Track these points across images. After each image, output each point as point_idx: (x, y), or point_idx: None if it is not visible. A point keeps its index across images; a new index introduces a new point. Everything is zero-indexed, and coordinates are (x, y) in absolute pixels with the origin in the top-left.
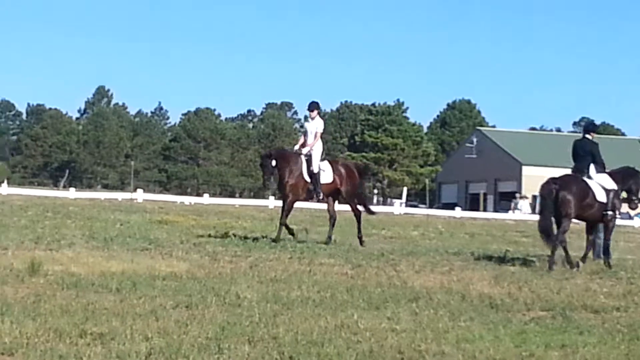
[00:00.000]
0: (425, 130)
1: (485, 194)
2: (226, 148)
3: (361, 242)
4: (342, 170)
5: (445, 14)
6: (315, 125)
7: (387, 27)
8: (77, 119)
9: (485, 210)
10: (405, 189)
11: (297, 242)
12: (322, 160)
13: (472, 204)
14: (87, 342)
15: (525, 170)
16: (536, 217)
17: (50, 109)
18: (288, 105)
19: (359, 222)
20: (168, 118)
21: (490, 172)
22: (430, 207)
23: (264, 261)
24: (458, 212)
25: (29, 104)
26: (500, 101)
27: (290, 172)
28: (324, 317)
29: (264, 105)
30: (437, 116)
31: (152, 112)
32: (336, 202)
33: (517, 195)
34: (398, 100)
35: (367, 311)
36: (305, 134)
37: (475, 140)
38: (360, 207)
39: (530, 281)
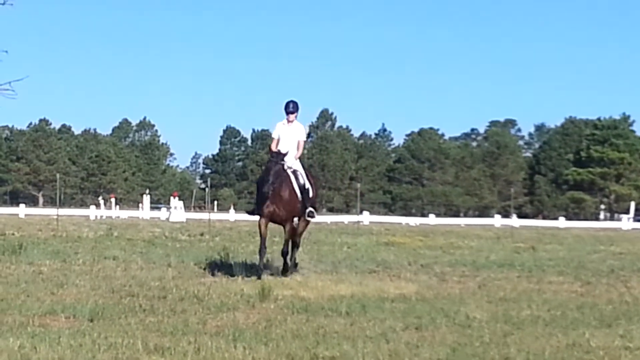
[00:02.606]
0: None
1: None
2: (450, 168)
3: (295, 265)
4: (313, 182)
5: None
6: (296, 132)
7: (610, 42)
8: None
9: None
10: (633, 204)
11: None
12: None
13: None
14: None
15: None
16: None
17: None
18: (512, 123)
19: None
20: (392, 139)
21: None
22: None
23: (492, 280)
24: None
25: (253, 130)
26: None
27: (284, 188)
28: (555, 336)
29: (488, 123)
30: None
31: (375, 134)
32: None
33: None
34: (624, 113)
35: (599, 329)
36: (278, 140)
37: None
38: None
39: None
